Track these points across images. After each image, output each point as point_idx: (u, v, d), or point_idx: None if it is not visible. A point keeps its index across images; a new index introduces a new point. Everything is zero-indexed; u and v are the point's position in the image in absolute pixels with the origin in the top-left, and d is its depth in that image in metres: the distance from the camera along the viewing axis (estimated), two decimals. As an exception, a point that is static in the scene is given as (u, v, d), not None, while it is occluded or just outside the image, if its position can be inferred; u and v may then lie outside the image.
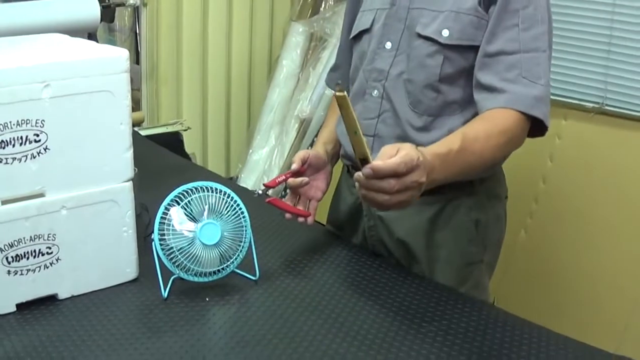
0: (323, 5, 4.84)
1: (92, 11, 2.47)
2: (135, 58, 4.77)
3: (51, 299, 1.69)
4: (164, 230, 1.66)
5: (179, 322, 1.61)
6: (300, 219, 1.97)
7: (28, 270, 1.63)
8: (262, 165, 4.84)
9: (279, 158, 4.77)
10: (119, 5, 4.08)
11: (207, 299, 1.71)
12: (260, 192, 1.93)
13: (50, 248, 1.65)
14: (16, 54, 1.64)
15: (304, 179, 1.95)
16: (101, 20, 2.53)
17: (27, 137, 1.54)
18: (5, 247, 1.59)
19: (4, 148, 1.52)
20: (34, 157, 1.57)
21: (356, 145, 1.49)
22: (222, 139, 5.11)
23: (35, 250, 1.63)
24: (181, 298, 1.71)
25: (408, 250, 2.01)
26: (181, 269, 1.69)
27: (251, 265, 1.79)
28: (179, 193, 1.69)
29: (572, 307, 3.26)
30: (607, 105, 3.18)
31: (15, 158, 1.54)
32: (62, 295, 1.70)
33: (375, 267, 1.91)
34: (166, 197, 1.69)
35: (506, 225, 2.13)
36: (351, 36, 2.11)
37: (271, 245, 2.02)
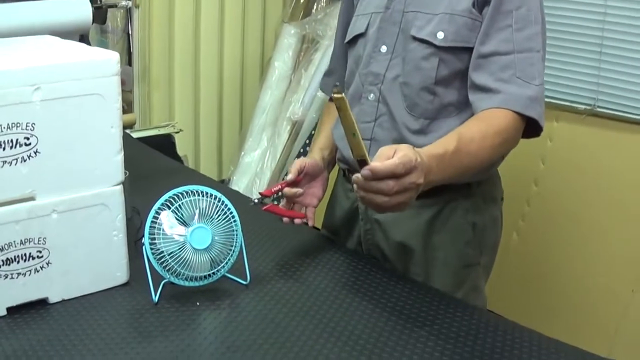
0: (315, 7, 4.84)
1: (83, 13, 2.45)
2: (128, 60, 4.76)
3: (42, 302, 1.68)
4: (154, 234, 1.65)
5: (170, 326, 1.60)
6: (297, 221, 1.99)
7: (18, 274, 1.62)
8: (254, 168, 4.84)
9: (271, 160, 4.77)
10: (111, 6, 4.08)
11: (197, 304, 1.70)
12: (256, 200, 1.93)
13: (40, 252, 1.64)
14: (6, 57, 1.63)
15: (299, 190, 1.95)
16: (93, 21, 2.52)
17: (17, 140, 1.53)
18: (-5, 251, 1.58)
19: (-6, 151, 1.52)
20: (25, 161, 1.56)
21: (354, 147, 1.48)
22: (214, 141, 5.11)
23: (25, 254, 1.62)
24: (172, 302, 1.70)
25: (405, 253, 2.00)
26: (172, 273, 1.68)
27: (242, 269, 1.79)
28: (170, 197, 1.68)
29: (564, 310, 3.26)
30: (599, 107, 3.19)
31: (5, 161, 1.53)
32: (53, 299, 1.69)
33: (367, 270, 1.90)
34: (157, 200, 1.68)
35: (502, 228, 2.12)
36: (346, 41, 2.11)
37: (262, 249, 2.01)
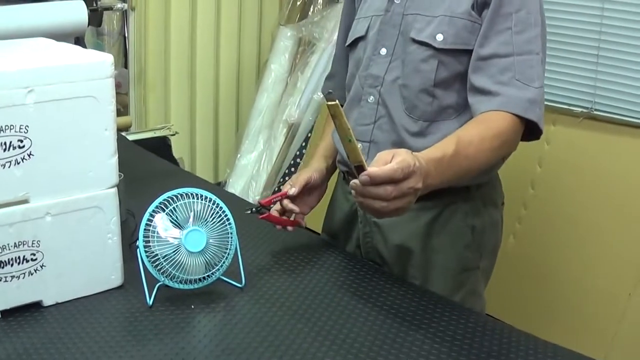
0: (311, 10, 4.85)
1: (79, 15, 2.46)
2: (124, 62, 4.77)
3: (36, 305, 1.68)
4: (148, 237, 1.65)
5: (164, 329, 1.60)
6: (290, 228, 2.02)
7: (12, 276, 1.62)
8: (250, 170, 4.84)
9: (267, 163, 4.78)
10: (106, 9, 4.08)
11: (192, 307, 1.70)
12: (253, 209, 1.95)
13: (34, 255, 1.63)
14: (0, 59, 1.63)
15: (296, 208, 1.98)
16: (89, 24, 2.52)
17: (11, 142, 1.53)
18: (-11, 253, 1.58)
19: (-13, 154, 1.51)
20: (18, 163, 1.55)
21: (350, 152, 1.48)
22: (210, 143, 5.11)
23: (19, 257, 1.61)
24: (166, 305, 1.70)
25: (404, 256, 2.00)
26: (166, 276, 1.68)
27: (237, 272, 1.78)
28: (164, 200, 1.68)
29: (561, 314, 3.26)
30: (596, 110, 3.19)
31: (-2, 164, 1.53)
32: (47, 302, 1.69)
33: (364, 273, 1.90)
34: (152, 203, 1.68)
35: (502, 232, 2.12)
36: (347, 44, 2.12)
37: (258, 252, 2.01)
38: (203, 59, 4.90)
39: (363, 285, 1.84)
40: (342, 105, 2.03)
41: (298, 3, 4.93)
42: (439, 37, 1.84)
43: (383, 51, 1.95)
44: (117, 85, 4.51)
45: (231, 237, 1.74)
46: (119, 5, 4.19)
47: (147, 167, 2.77)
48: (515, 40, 1.79)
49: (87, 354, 1.49)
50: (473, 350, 1.54)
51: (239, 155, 4.92)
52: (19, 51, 1.77)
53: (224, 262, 1.73)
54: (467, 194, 1.96)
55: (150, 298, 1.70)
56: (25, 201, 1.59)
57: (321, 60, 4.58)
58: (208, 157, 5.15)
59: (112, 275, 1.77)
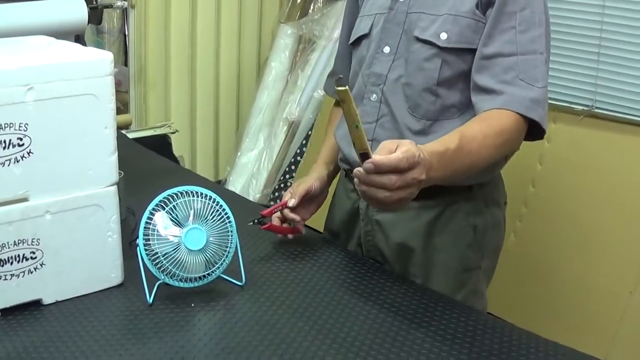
0: (312, 7, 4.84)
1: (79, 13, 2.45)
2: (124, 60, 4.76)
3: (35, 304, 1.68)
4: (148, 235, 1.65)
5: (164, 327, 1.60)
6: (290, 236, 2.06)
7: (12, 275, 1.62)
8: (250, 168, 4.84)
9: (268, 161, 4.77)
10: (106, 7, 4.08)
11: (192, 305, 1.70)
12: (255, 220, 1.99)
13: (34, 253, 1.63)
14: (0, 57, 1.63)
15: (296, 217, 2.01)
16: (89, 22, 2.52)
17: (10, 140, 1.53)
18: (-11, 252, 1.58)
19: (-14, 152, 1.51)
20: (18, 161, 1.55)
21: (357, 139, 1.45)
22: (210, 141, 5.11)
23: (19, 255, 1.61)
24: (166, 304, 1.70)
25: (405, 255, 2.00)
26: (166, 275, 1.67)
27: (237, 270, 1.78)
28: (164, 198, 1.68)
29: (562, 312, 3.25)
30: (596, 107, 3.18)
31: (-2, 162, 1.53)
32: (47, 300, 1.69)
33: (364, 271, 1.90)
34: (152, 201, 1.67)
35: (505, 232, 2.12)
36: (350, 41, 2.11)
37: (258, 250, 2.01)
38: (203, 56, 4.89)
39: (364, 283, 1.84)
40: None
41: (298, 1, 4.93)
42: (443, 35, 1.84)
43: (386, 49, 1.95)
44: (117, 83, 4.53)
45: (231, 235, 1.73)
46: (119, 3, 4.20)
47: (147, 165, 2.76)
48: (519, 39, 1.79)
49: (87, 353, 1.49)
50: (474, 348, 1.54)
51: (239, 153, 4.92)
52: (18, 49, 1.77)
53: (224, 261, 1.73)
54: (469, 193, 1.96)
55: (150, 296, 1.70)
56: (24, 199, 1.59)
57: (322, 58, 4.57)
58: (208, 155, 5.15)
59: (112, 274, 1.77)
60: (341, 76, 1.51)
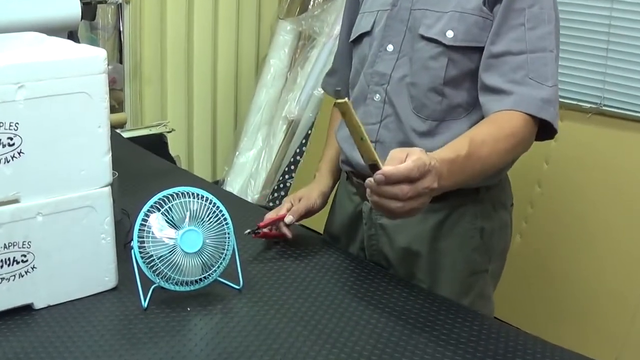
0: (312, 3, 4.85)
1: (72, 8, 2.44)
2: (119, 57, 4.76)
3: (26, 308, 1.67)
4: (143, 237, 1.65)
5: (159, 332, 1.59)
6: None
7: (2, 279, 1.61)
8: (249, 168, 4.84)
9: (267, 160, 4.78)
10: (100, 2, 4.07)
11: (188, 309, 1.69)
12: (249, 230, 2.01)
13: (25, 256, 1.63)
14: (-10, 54, 1.63)
15: (288, 234, 2.06)
16: (82, 18, 2.51)
17: (0, 140, 1.52)
18: (-22, 255, 1.57)
19: (-24, 152, 1.51)
20: (8, 162, 1.55)
21: (364, 151, 1.45)
22: (207, 141, 5.11)
23: (9, 259, 1.61)
24: (162, 308, 1.70)
25: (410, 259, 1.99)
26: (161, 278, 1.67)
27: (235, 273, 1.78)
28: (159, 199, 1.68)
29: (570, 315, 3.25)
30: (605, 105, 3.18)
31: (-12, 162, 1.53)
32: (38, 305, 1.68)
33: (365, 274, 1.90)
34: (147, 202, 1.67)
35: (512, 234, 2.11)
36: (351, 39, 2.10)
37: (256, 252, 2.00)
38: (200, 53, 4.89)
39: (364, 286, 1.84)
40: None
41: (298, -4, 4.94)
42: (449, 33, 1.83)
43: (390, 48, 1.94)
44: (112, 81, 4.53)
45: (228, 238, 1.73)
46: (113, -1, 4.20)
47: (143, 165, 2.77)
48: (528, 36, 1.78)
49: (80, 359, 1.49)
50: (478, 353, 1.54)
51: (237, 153, 4.92)
52: (9, 46, 1.77)
53: (221, 263, 1.73)
54: (476, 196, 1.95)
55: (145, 300, 1.69)
56: (15, 201, 1.59)
57: (322, 55, 4.58)
58: (205, 155, 5.15)
59: (105, 277, 1.76)
60: (339, 88, 1.50)
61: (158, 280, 1.67)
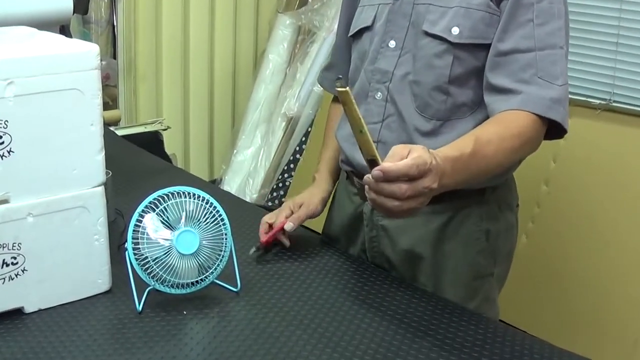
0: (312, -4, 4.84)
1: (64, 2, 2.44)
2: (113, 52, 4.76)
3: (17, 312, 1.67)
4: (138, 238, 1.65)
5: (154, 337, 1.59)
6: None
7: (-8, 282, 1.62)
8: (247, 167, 4.85)
9: (265, 159, 4.78)
10: (93, -5, 4.07)
11: (184, 312, 1.70)
12: (256, 249, 2.01)
13: (15, 258, 1.63)
14: (-22, 49, 1.63)
15: (286, 242, 2.07)
16: (74, 11, 2.51)
17: (-11, 138, 1.53)
18: (-33, 257, 1.57)
19: (-36, 150, 1.51)
20: (-3, 160, 1.55)
21: (363, 145, 1.44)
22: (204, 138, 5.11)
23: (-1, 261, 1.61)
24: (157, 311, 1.70)
25: (413, 262, 1.98)
26: (157, 280, 1.67)
27: (232, 275, 1.78)
28: (155, 199, 1.67)
29: (578, 318, 3.25)
30: (614, 101, 3.18)
31: (-24, 161, 1.53)
32: (29, 308, 1.68)
33: (367, 276, 1.90)
34: (141, 202, 1.67)
35: (517, 235, 2.11)
36: (350, 34, 2.08)
37: (254, 254, 2.00)
38: (197, 48, 4.89)
39: (365, 289, 1.84)
40: None
41: (297, -11, 4.94)
42: (455, 30, 1.81)
43: (392, 44, 1.92)
44: (106, 77, 4.53)
45: (226, 239, 1.73)
46: (107, -8, 4.20)
47: (137, 164, 2.77)
48: (537, 33, 1.76)
49: (72, 364, 1.49)
50: (483, 358, 1.54)
51: (235, 151, 4.92)
52: (-2, 40, 1.77)
53: (218, 265, 1.73)
54: (481, 197, 1.95)
55: (139, 303, 1.69)
56: (5, 201, 1.59)
57: (322, 50, 4.58)
58: (202, 153, 5.15)
59: (98, 280, 1.76)
60: (340, 76, 1.49)
61: (153, 283, 1.67)
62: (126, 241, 1.66)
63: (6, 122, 1.53)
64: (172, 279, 1.67)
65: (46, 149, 1.61)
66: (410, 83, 1.88)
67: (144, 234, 1.65)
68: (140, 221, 1.66)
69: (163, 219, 1.67)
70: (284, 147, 4.73)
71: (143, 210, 1.67)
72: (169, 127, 4.34)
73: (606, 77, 3.20)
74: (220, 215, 1.72)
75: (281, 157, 4.74)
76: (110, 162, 1.74)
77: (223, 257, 1.73)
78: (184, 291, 1.71)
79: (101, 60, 1.67)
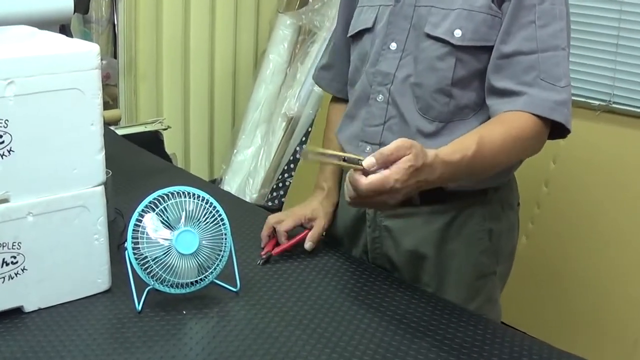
0: (312, -4, 4.84)
1: (64, 1, 2.44)
2: (113, 52, 4.76)
3: (16, 312, 1.67)
4: (137, 238, 1.65)
5: (154, 336, 1.59)
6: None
7: (-9, 281, 1.62)
8: (247, 167, 4.84)
9: (266, 159, 4.78)
10: (94, -5, 4.07)
11: (184, 312, 1.70)
12: (265, 259, 1.99)
13: (15, 257, 1.63)
14: (-22, 49, 1.62)
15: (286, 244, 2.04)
16: (75, 11, 2.51)
17: (-11, 137, 1.53)
18: (-33, 256, 1.57)
19: (-36, 150, 1.51)
20: (-3, 160, 1.55)
21: (347, 170, 1.51)
22: (204, 138, 5.11)
23: (-1, 260, 1.61)
24: (156, 311, 1.70)
25: (416, 262, 1.98)
26: (156, 280, 1.67)
27: (232, 275, 1.78)
28: (154, 199, 1.67)
29: (578, 319, 3.25)
30: (614, 102, 3.18)
31: (-24, 161, 1.53)
32: (29, 308, 1.68)
33: (366, 277, 1.90)
34: (141, 202, 1.67)
35: (518, 235, 2.11)
36: (349, 34, 2.07)
37: (254, 254, 2.00)
38: (197, 48, 4.89)
39: (365, 289, 1.83)
40: (346, 101, 2.03)
41: (298, -11, 4.94)
42: (457, 32, 1.80)
43: (393, 46, 1.91)
44: (106, 77, 4.53)
45: (225, 239, 1.73)
46: (107, -9, 4.20)
47: (137, 164, 2.76)
48: (539, 35, 1.75)
49: (71, 363, 1.49)
50: (482, 358, 1.54)
51: (235, 151, 4.92)
52: (-2, 40, 1.77)
53: (217, 265, 1.73)
54: (484, 197, 1.95)
55: (139, 303, 1.69)
56: (5, 200, 1.59)
57: (322, 50, 4.57)
58: (202, 153, 5.15)
59: (98, 279, 1.76)
60: (305, 150, 1.54)
61: (153, 283, 1.67)
62: (126, 241, 1.66)
63: (6, 122, 1.53)
64: (171, 279, 1.67)
65: (46, 149, 1.61)
66: (412, 85, 1.88)
67: (143, 234, 1.65)
68: (140, 221, 1.66)
69: (163, 218, 1.67)
70: (284, 147, 4.73)
71: (143, 210, 1.67)
72: (169, 127, 4.34)
73: (606, 78, 3.20)
74: (220, 215, 1.72)
75: (281, 157, 4.74)
76: (110, 161, 1.74)
77: (223, 257, 1.73)
78: (183, 291, 1.71)
79: (101, 60, 1.67)
